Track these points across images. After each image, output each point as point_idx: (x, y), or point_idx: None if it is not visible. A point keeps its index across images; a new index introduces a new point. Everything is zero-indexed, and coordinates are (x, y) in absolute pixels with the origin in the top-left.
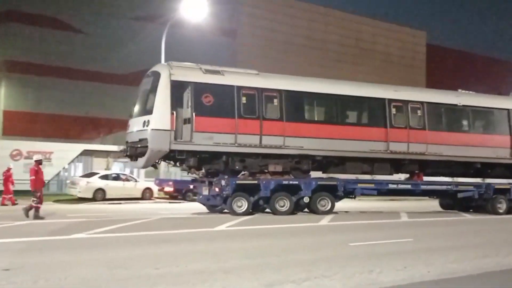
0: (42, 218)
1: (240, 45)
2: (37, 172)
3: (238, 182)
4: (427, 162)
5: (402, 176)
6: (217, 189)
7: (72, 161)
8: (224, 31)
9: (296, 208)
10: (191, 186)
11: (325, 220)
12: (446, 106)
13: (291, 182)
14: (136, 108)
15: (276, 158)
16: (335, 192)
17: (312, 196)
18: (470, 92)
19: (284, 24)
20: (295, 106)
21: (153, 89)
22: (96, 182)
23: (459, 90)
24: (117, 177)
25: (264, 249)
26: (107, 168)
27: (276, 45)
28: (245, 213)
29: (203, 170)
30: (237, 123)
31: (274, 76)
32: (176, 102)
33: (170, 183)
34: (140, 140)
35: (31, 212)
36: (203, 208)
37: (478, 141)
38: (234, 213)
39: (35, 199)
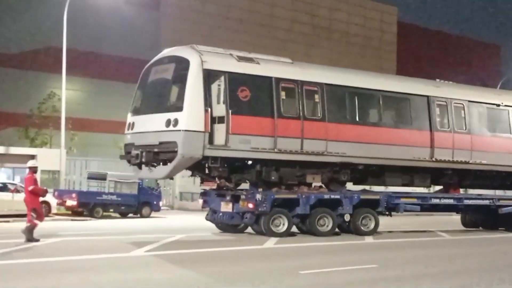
0: (37, 240)
1: (165, 18)
2: (36, 182)
3: (277, 196)
4: (469, 172)
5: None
6: (250, 205)
7: None
8: (144, 2)
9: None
10: (200, 201)
11: (271, 242)
12: (488, 106)
13: (332, 197)
14: (149, 102)
15: (314, 167)
16: (376, 208)
17: (353, 213)
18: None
19: None
20: (338, 103)
21: (179, 80)
22: None
23: (437, 80)
24: (3, 188)
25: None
26: None
27: (208, 19)
28: (285, 234)
29: (223, 182)
30: (277, 123)
31: (312, 66)
32: (208, 96)
33: (74, 195)
34: (162, 143)
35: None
36: (114, 227)
37: None
38: (271, 233)
39: (34, 215)
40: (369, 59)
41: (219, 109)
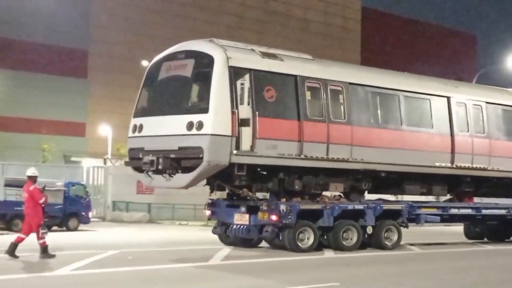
0: (53, 255)
1: (94, 4)
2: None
3: (302, 207)
4: (486, 180)
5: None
6: (273, 217)
7: None
8: None
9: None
10: (207, 212)
11: (217, 258)
12: (504, 108)
13: (356, 207)
14: (163, 102)
15: (337, 174)
16: (396, 219)
17: (376, 225)
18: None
19: None
20: (363, 105)
21: (201, 77)
22: None
23: (406, 73)
24: None
25: None
26: None
27: (142, 3)
28: (311, 249)
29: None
30: (303, 127)
31: (334, 64)
32: (234, 97)
33: None
34: (183, 148)
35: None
36: (35, 242)
37: None
38: (297, 249)
39: (43, 231)
40: (330, 48)
41: (244, 111)
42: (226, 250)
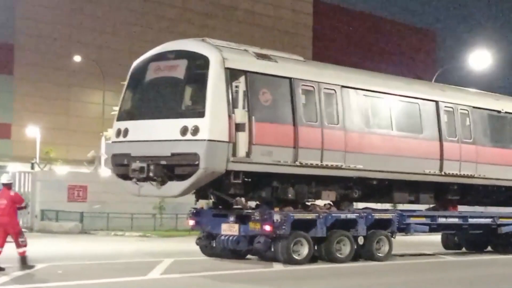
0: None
1: None
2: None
3: (296, 217)
4: (472, 188)
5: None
6: (267, 227)
7: None
8: None
9: None
10: (191, 222)
11: (157, 271)
12: (489, 113)
13: (348, 217)
14: (152, 105)
15: (330, 182)
16: (386, 229)
17: (367, 235)
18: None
19: None
20: (356, 109)
21: (195, 79)
22: None
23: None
24: None
25: None
26: None
27: None
28: (305, 261)
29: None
30: (298, 132)
31: (326, 65)
32: (231, 100)
33: None
34: (176, 154)
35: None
36: None
37: None
38: (291, 261)
39: (23, 239)
40: (279, 44)
41: (239, 115)
42: (167, 262)
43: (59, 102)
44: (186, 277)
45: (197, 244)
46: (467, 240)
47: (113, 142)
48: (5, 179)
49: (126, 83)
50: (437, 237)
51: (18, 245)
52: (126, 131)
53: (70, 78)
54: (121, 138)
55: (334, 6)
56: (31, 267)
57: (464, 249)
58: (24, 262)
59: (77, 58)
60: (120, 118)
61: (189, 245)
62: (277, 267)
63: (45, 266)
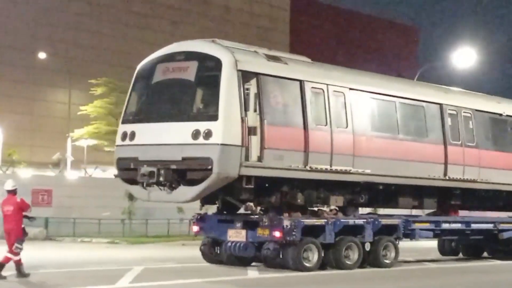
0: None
1: None
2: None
3: (306, 223)
4: (474, 193)
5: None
6: (277, 233)
7: None
8: None
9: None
10: (195, 228)
11: (126, 279)
12: (491, 116)
13: (356, 222)
14: (161, 108)
15: (338, 187)
16: (392, 234)
17: (374, 241)
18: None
19: None
20: (364, 112)
21: (207, 82)
22: None
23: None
24: None
25: None
26: None
27: None
28: (316, 268)
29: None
30: (309, 136)
31: (333, 67)
32: (243, 103)
33: None
34: (188, 159)
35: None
36: None
37: None
38: (302, 268)
39: (20, 246)
40: (255, 41)
41: (251, 118)
42: (136, 270)
43: (23, 100)
44: (156, 285)
45: (201, 250)
46: (465, 245)
47: (118, 146)
48: (9, 185)
49: (131, 85)
50: (429, 243)
51: (10, 250)
52: (132, 135)
53: (34, 76)
54: (127, 142)
55: (312, 1)
56: (3, 277)
57: (461, 255)
58: (1, 269)
59: (42, 55)
60: (126, 121)
61: (160, 252)
62: (252, 274)
63: (8, 275)
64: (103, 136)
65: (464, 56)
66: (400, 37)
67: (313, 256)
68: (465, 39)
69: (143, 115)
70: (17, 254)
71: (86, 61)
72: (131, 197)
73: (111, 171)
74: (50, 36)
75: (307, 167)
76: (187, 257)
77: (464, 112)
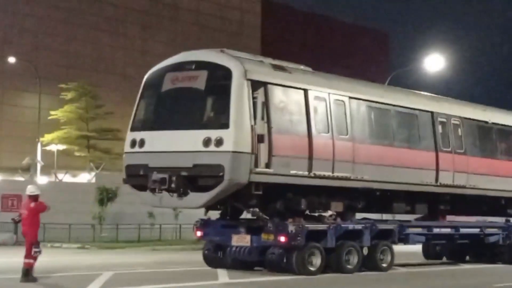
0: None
1: None
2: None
3: (311, 228)
4: (463, 198)
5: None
6: (282, 238)
7: None
8: None
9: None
10: (198, 233)
11: (96, 285)
12: (478, 124)
13: (355, 227)
14: (171, 116)
15: (338, 193)
16: (387, 239)
17: (371, 246)
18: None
19: None
20: (362, 120)
21: (217, 91)
22: None
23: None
24: None
25: None
26: None
27: None
28: (319, 272)
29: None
30: (313, 143)
31: (332, 76)
32: (253, 112)
33: None
34: (199, 166)
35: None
36: None
37: (508, 170)
38: (306, 272)
39: (37, 250)
40: (226, 46)
41: (259, 126)
42: (106, 275)
43: None
44: None
45: (205, 255)
46: (449, 249)
47: (127, 153)
48: (29, 191)
49: (139, 93)
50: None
51: (28, 255)
52: (142, 142)
53: (3, 81)
54: (136, 149)
55: (283, 6)
56: (34, 279)
57: (444, 259)
58: (27, 274)
59: (11, 59)
60: (135, 128)
61: (130, 257)
62: (222, 279)
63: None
64: (73, 141)
65: (434, 61)
66: (370, 42)
67: (317, 261)
68: (435, 44)
69: (153, 123)
70: (36, 258)
71: (56, 66)
72: (101, 202)
73: (82, 176)
74: (19, 40)
75: (312, 174)
76: (157, 262)
77: (453, 119)
